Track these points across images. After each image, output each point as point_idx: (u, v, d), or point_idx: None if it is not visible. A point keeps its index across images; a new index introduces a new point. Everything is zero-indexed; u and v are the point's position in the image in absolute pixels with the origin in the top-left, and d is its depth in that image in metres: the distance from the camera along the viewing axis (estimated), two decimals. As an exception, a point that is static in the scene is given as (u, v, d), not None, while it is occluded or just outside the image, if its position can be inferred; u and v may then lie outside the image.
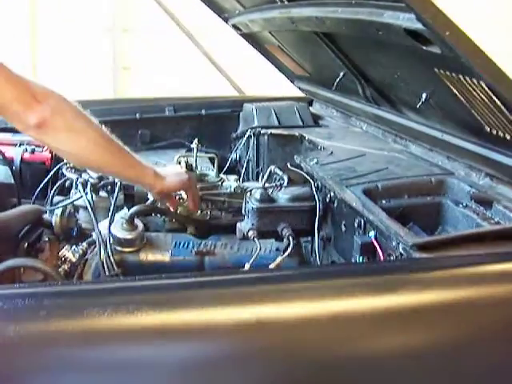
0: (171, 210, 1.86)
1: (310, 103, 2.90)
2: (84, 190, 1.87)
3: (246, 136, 2.57)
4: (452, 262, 1.21)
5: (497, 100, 1.35)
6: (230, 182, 2.07)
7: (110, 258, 1.66)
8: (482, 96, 1.40)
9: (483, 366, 1.13)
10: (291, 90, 3.07)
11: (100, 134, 1.56)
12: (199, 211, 1.93)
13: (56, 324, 0.94)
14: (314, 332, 1.04)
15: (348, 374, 1.06)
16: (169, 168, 1.87)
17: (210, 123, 2.81)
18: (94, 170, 1.81)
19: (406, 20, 1.30)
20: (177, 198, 1.87)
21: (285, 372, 1.03)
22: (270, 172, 2.01)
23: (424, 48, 1.35)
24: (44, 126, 1.44)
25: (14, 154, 2.29)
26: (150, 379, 0.96)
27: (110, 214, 1.76)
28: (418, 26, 1.26)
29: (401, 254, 1.32)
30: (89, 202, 1.82)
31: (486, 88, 1.34)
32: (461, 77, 1.40)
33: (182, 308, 1.01)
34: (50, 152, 2.32)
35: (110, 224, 1.74)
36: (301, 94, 2.98)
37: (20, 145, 2.32)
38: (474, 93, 1.41)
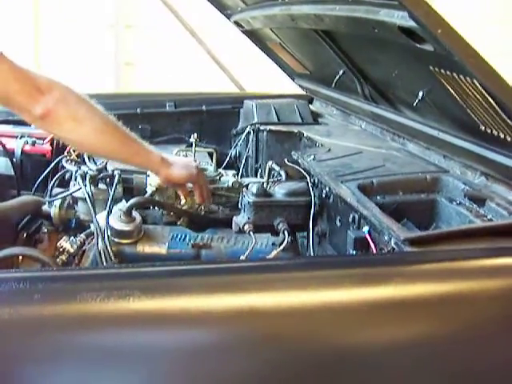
0: (182, 199, 1.87)
1: (311, 101, 2.92)
2: (83, 182, 1.88)
3: (246, 132, 2.59)
4: (440, 256, 1.23)
5: (490, 99, 1.37)
6: (228, 177, 2.08)
7: (107, 248, 1.68)
8: (476, 94, 1.41)
9: (472, 359, 1.15)
10: (292, 87, 3.09)
11: (105, 122, 1.59)
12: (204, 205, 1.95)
13: (49, 308, 0.96)
14: (303, 321, 1.06)
15: (338, 363, 1.08)
16: (178, 158, 1.90)
17: (210, 119, 2.82)
18: (101, 156, 1.87)
19: (399, 18, 1.32)
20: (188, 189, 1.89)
21: (273, 361, 1.05)
22: (269, 168, 2.03)
23: (418, 46, 1.37)
24: (48, 116, 1.47)
25: (15, 145, 2.31)
26: (142, 364, 0.98)
27: (108, 206, 1.77)
28: (411, 23, 1.28)
29: (393, 249, 1.34)
30: (87, 194, 1.83)
31: (480, 87, 1.36)
32: (455, 75, 1.42)
33: (174, 295, 1.03)
34: (51, 144, 2.34)
35: (108, 215, 1.76)
36: (301, 92, 3.00)
37: (21, 137, 2.34)
38: (468, 91, 1.43)
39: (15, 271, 1.22)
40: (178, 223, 1.90)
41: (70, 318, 0.96)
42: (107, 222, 1.75)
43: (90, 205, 1.80)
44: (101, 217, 1.81)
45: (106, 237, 1.71)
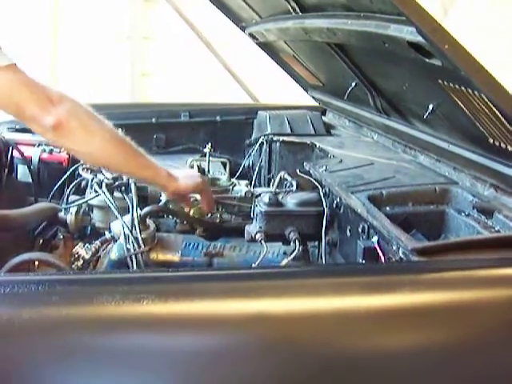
0: (186, 210, 1.90)
1: (324, 113, 2.95)
2: (101, 189, 1.92)
3: (259, 143, 2.62)
4: (447, 265, 1.25)
5: (497, 112, 1.40)
6: (241, 187, 2.12)
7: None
8: (484, 108, 1.44)
9: (480, 367, 1.17)
10: (305, 99, 3.12)
11: (114, 135, 1.61)
12: (211, 213, 1.98)
13: (67, 309, 1.00)
14: (313, 327, 1.09)
15: (347, 369, 1.11)
16: (182, 170, 1.92)
17: (224, 129, 2.86)
18: (109, 169, 1.87)
19: (408, 33, 1.35)
20: (191, 199, 1.92)
21: (284, 366, 1.08)
22: (280, 178, 2.06)
23: (427, 60, 1.40)
24: (60, 127, 1.48)
25: (33, 153, 2.35)
26: (154, 366, 1.01)
27: (130, 210, 1.78)
28: (419, 39, 1.32)
29: (401, 259, 1.36)
30: (108, 199, 1.85)
31: (487, 100, 1.39)
32: (463, 88, 1.45)
33: (187, 299, 1.06)
34: (68, 153, 2.38)
35: (133, 221, 1.76)
36: (314, 104, 3.03)
37: (39, 145, 2.38)
38: (476, 105, 1.46)
39: (34, 274, 1.25)
40: (197, 233, 1.93)
41: (87, 320, 1.00)
42: (132, 222, 1.75)
43: (114, 209, 1.81)
44: (116, 225, 1.85)
45: (130, 237, 1.72)
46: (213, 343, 1.05)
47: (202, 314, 1.05)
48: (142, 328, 1.02)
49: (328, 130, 2.72)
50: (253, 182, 2.57)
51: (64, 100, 1.52)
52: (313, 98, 2.99)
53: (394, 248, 1.39)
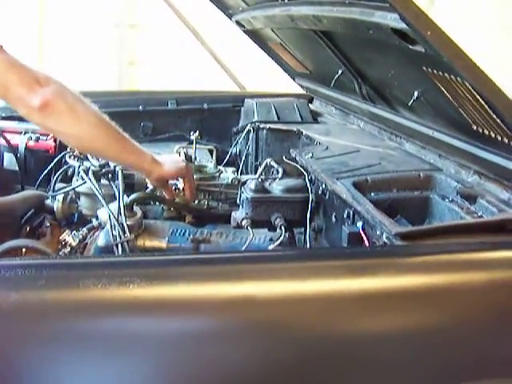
0: (167, 198, 1.91)
1: (311, 100, 2.96)
2: (88, 177, 1.92)
3: (246, 130, 2.63)
4: (429, 249, 1.28)
5: (480, 98, 1.41)
6: (228, 174, 2.13)
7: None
8: (467, 94, 1.45)
9: (458, 349, 1.19)
10: (292, 88, 3.12)
11: (100, 119, 1.61)
12: (196, 201, 1.99)
13: (53, 293, 1.01)
14: (296, 310, 1.11)
15: (329, 351, 1.13)
16: (166, 156, 1.93)
17: (211, 117, 2.86)
18: (94, 153, 1.86)
19: (392, 20, 1.36)
20: (173, 188, 1.92)
21: (269, 348, 1.09)
22: (266, 164, 2.07)
23: (410, 47, 1.41)
24: (47, 107, 1.49)
25: (19, 141, 2.34)
26: (140, 349, 1.03)
27: (117, 197, 1.79)
28: (403, 25, 1.33)
29: (384, 243, 1.38)
30: (94, 186, 1.86)
31: (469, 87, 1.40)
32: (446, 75, 1.46)
33: (173, 282, 1.08)
34: (54, 140, 2.37)
35: (119, 208, 1.74)
36: (301, 92, 3.04)
37: (25, 133, 2.37)
38: (459, 91, 1.47)
39: (20, 259, 1.26)
40: (186, 221, 1.94)
41: (73, 303, 1.01)
42: (119, 214, 1.75)
43: (99, 196, 1.81)
44: (102, 212, 1.85)
45: (117, 226, 1.71)
46: (198, 326, 1.07)
47: (188, 298, 1.06)
48: (128, 311, 1.04)
49: (315, 117, 2.73)
50: (240, 170, 2.58)
51: (51, 82, 1.53)
52: (300, 85, 3.00)
53: (378, 233, 1.41)
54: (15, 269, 1.02)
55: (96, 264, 1.11)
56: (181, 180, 1.91)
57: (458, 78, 1.42)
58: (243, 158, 2.64)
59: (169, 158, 1.87)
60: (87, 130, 1.59)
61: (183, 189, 1.90)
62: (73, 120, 1.55)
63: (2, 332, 0.99)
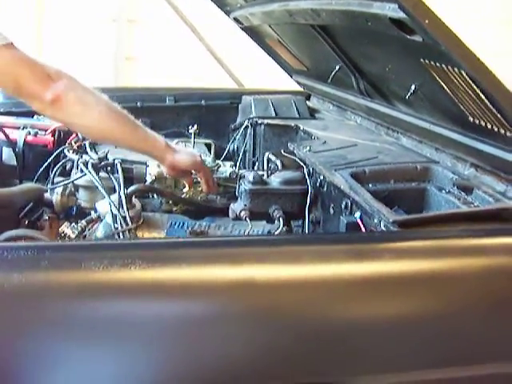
0: (187, 187, 1.94)
1: (308, 98, 2.97)
2: (87, 169, 1.93)
3: (244, 126, 2.64)
4: (425, 235, 1.29)
5: (477, 89, 1.43)
6: (226, 168, 2.14)
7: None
8: (464, 85, 1.47)
9: (454, 334, 1.21)
10: (290, 85, 3.14)
11: (111, 108, 1.66)
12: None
13: (56, 274, 1.02)
14: (295, 294, 1.12)
15: (328, 334, 1.14)
16: (181, 146, 1.95)
17: (209, 114, 2.88)
18: (108, 141, 1.92)
19: (391, 10, 1.38)
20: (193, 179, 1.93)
21: (268, 331, 1.11)
22: (268, 160, 2.09)
23: (408, 37, 1.43)
24: (59, 100, 1.53)
25: (18, 136, 2.35)
26: (140, 330, 1.04)
27: (117, 189, 1.80)
28: (401, 14, 1.34)
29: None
30: (95, 179, 1.87)
31: (467, 77, 1.42)
32: (443, 66, 1.48)
33: (175, 265, 1.09)
34: (53, 135, 2.38)
35: (120, 197, 1.76)
36: (299, 88, 3.05)
37: (23, 128, 2.38)
38: (457, 82, 1.49)
39: (24, 242, 1.27)
40: (174, 209, 1.95)
41: (75, 284, 1.02)
42: (120, 206, 1.76)
43: (100, 188, 1.84)
44: (102, 204, 1.86)
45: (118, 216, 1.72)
46: (200, 308, 1.08)
47: (189, 280, 1.07)
48: (129, 293, 1.05)
49: (312, 114, 2.74)
50: (237, 166, 2.59)
51: (62, 75, 1.57)
52: (297, 82, 3.01)
53: (376, 221, 1.43)
54: (18, 250, 1.03)
55: (98, 246, 1.12)
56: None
57: (456, 69, 1.43)
58: (241, 154, 2.65)
59: (185, 149, 1.90)
60: (98, 120, 1.63)
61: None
62: (84, 111, 1.60)
63: (4, 313, 1.00)
